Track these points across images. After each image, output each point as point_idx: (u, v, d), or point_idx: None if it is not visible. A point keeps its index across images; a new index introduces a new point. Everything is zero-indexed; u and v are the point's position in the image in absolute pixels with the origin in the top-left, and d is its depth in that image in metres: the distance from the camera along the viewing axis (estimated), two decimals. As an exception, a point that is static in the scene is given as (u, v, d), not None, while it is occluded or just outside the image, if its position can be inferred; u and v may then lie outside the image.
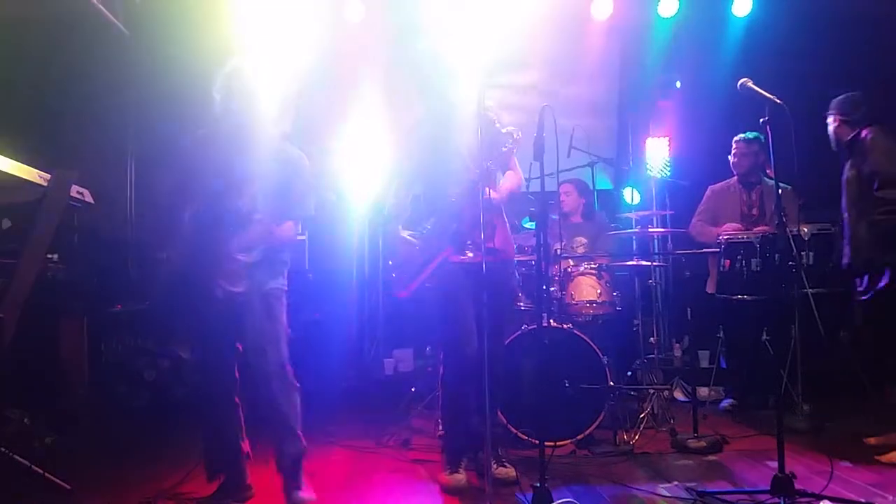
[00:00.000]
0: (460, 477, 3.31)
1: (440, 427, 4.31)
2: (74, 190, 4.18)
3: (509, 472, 3.33)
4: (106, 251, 5.41)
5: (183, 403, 4.79)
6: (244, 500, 3.10)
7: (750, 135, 4.81)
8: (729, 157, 4.96)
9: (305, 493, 3.00)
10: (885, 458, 3.54)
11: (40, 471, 3.16)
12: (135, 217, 6.04)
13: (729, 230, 4.63)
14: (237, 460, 3.09)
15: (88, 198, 4.41)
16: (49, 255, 4.23)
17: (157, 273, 2.99)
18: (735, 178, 4.98)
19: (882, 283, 3.75)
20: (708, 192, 5.08)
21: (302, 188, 3.07)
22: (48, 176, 3.33)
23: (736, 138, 4.90)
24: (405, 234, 3.34)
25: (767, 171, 4.87)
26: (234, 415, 3.09)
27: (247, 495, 3.11)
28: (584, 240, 4.89)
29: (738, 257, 4.16)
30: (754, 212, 4.85)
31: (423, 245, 3.27)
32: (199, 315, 2.96)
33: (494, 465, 3.33)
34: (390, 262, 3.46)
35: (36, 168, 3.29)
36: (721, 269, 4.31)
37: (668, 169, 5.41)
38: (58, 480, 3.17)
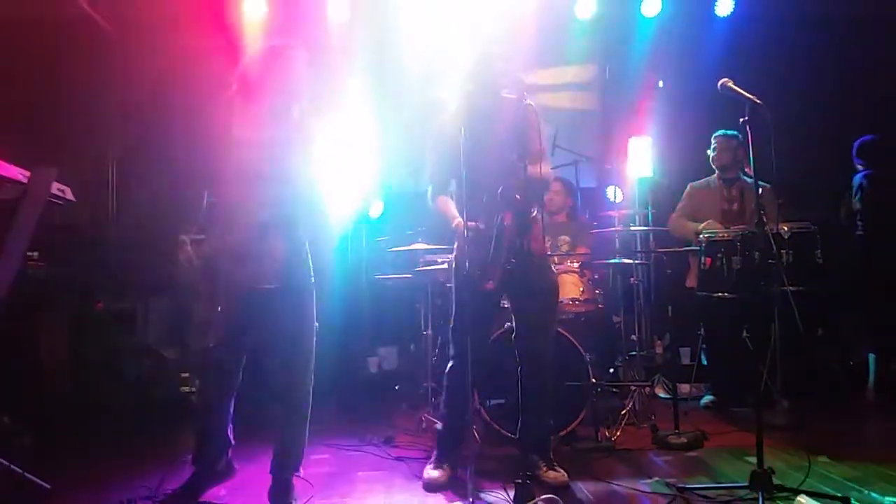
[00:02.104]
0: (441, 473, 3.32)
1: (423, 424, 4.33)
2: (55, 187, 4.15)
3: (559, 475, 3.24)
4: (87, 249, 5.37)
5: (165, 403, 4.78)
6: (223, 479, 3.11)
7: (730, 131, 4.88)
8: (708, 151, 5.02)
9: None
10: None
11: (19, 470, 3.14)
12: (117, 214, 6.01)
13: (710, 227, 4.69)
14: (221, 449, 3.08)
15: (70, 195, 4.37)
16: (29, 253, 4.21)
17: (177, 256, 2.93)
18: (715, 174, 5.03)
19: None
20: (688, 188, 5.13)
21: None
22: (28, 173, 3.31)
23: (715, 134, 4.98)
24: (472, 224, 3.18)
25: (746, 170, 4.92)
26: (229, 406, 3.07)
27: (227, 475, 3.13)
28: (567, 238, 4.92)
29: (719, 255, 4.19)
30: (734, 207, 4.89)
31: (497, 233, 3.14)
32: (224, 300, 2.89)
33: (544, 469, 3.27)
34: (466, 262, 3.21)
35: (17, 165, 3.26)
36: (702, 266, 4.34)
37: (651, 168, 5.45)
38: (37, 480, 3.15)
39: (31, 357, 4.48)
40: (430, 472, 3.34)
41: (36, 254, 4.29)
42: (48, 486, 3.16)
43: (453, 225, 3.25)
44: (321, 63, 3.15)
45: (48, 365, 4.59)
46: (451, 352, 3.48)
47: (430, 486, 3.29)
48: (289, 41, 3.07)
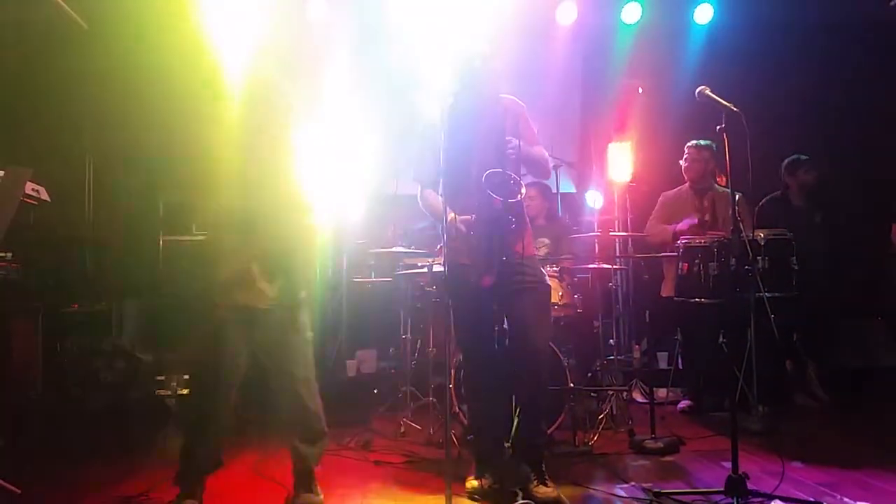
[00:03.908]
0: (481, 484, 3.24)
1: (402, 428, 4.33)
2: (30, 187, 4.11)
3: (549, 492, 3.13)
4: (63, 250, 5.31)
5: (139, 406, 4.73)
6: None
7: (702, 142, 4.91)
8: (681, 161, 5.05)
9: (314, 497, 3.05)
10: None
11: (-10, 474, 3.10)
12: (93, 215, 5.95)
13: (685, 226, 4.73)
14: (211, 470, 3.02)
15: (44, 195, 4.34)
16: (2, 254, 4.16)
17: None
18: (687, 184, 5.07)
19: None
20: (661, 198, 5.17)
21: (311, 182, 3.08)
22: (1, 173, 3.27)
23: (688, 144, 5.00)
24: (459, 220, 3.13)
25: (717, 180, 4.96)
26: (227, 427, 3.03)
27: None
28: (546, 241, 4.93)
29: (696, 261, 4.22)
30: (706, 218, 4.92)
31: (486, 229, 3.05)
32: (214, 323, 2.89)
33: (535, 483, 3.17)
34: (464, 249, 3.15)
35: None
36: (679, 272, 4.38)
37: (630, 173, 5.48)
38: (6, 484, 3.10)
39: (4, 359, 4.42)
40: (471, 483, 3.28)
41: (9, 254, 4.23)
42: (18, 491, 3.11)
43: (448, 220, 3.11)
44: (300, 69, 3.10)
45: (20, 367, 4.52)
46: (461, 356, 3.43)
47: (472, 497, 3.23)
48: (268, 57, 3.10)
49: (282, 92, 3.05)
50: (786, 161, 5.28)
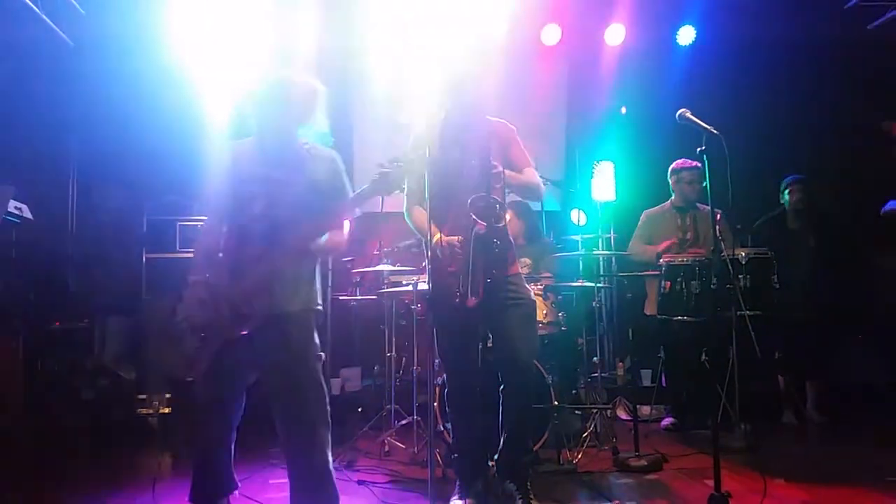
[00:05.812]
0: None
1: (386, 447, 4.31)
2: (12, 205, 4.10)
3: None
4: (45, 267, 5.28)
5: (121, 424, 4.69)
6: None
7: (697, 165, 4.95)
8: (678, 181, 5.05)
9: None
10: None
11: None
12: (76, 232, 5.92)
13: (666, 245, 4.77)
14: (222, 491, 2.90)
15: (27, 213, 4.33)
16: (-17, 271, 4.14)
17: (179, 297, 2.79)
18: (669, 202, 5.12)
19: None
20: (643, 216, 5.20)
21: (341, 187, 2.91)
22: (-16, 191, 3.26)
23: (689, 168, 4.99)
24: (452, 239, 3.12)
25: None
26: (230, 443, 2.88)
27: None
28: (528, 261, 4.95)
29: (678, 279, 4.27)
30: (689, 235, 4.97)
31: (473, 245, 3.05)
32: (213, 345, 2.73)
33: (520, 501, 3.17)
34: (450, 269, 3.12)
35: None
36: (662, 290, 4.41)
37: (614, 192, 5.53)
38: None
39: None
40: (456, 503, 3.27)
41: (-10, 272, 4.22)
42: (-3, 512, 3.08)
43: (434, 241, 3.09)
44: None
45: (2, 385, 4.49)
46: (444, 375, 3.44)
47: None
48: (298, 73, 2.92)
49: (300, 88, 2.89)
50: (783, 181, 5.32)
